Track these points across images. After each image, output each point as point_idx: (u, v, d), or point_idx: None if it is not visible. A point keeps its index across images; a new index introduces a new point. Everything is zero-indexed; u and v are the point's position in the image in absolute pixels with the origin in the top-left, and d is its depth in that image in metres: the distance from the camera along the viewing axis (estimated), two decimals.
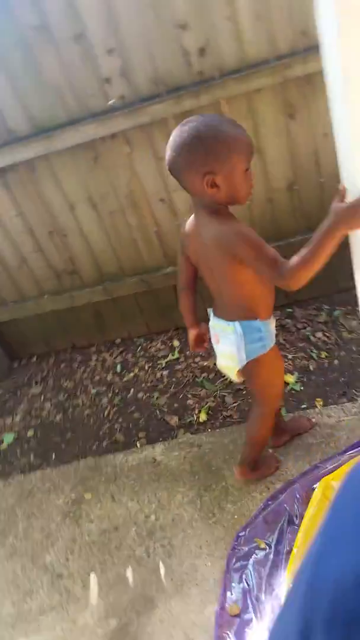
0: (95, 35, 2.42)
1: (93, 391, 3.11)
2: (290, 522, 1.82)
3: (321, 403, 2.45)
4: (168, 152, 1.47)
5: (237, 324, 1.67)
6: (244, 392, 2.66)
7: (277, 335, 2.93)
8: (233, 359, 1.72)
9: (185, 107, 2.51)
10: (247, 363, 1.71)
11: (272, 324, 1.78)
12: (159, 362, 3.11)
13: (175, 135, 1.44)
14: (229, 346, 1.72)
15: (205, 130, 1.40)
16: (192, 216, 1.68)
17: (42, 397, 3.26)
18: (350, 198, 1.24)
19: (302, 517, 1.78)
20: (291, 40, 2.35)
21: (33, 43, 2.46)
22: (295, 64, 2.35)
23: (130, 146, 2.67)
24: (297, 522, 1.81)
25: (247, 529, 1.86)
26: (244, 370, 1.75)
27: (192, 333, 1.95)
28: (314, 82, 2.43)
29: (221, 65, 2.44)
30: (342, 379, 2.55)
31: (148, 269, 3.08)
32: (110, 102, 2.57)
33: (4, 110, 2.64)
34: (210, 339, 1.88)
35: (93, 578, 1.93)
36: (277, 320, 3.04)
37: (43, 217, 2.95)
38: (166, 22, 2.38)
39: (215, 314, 1.77)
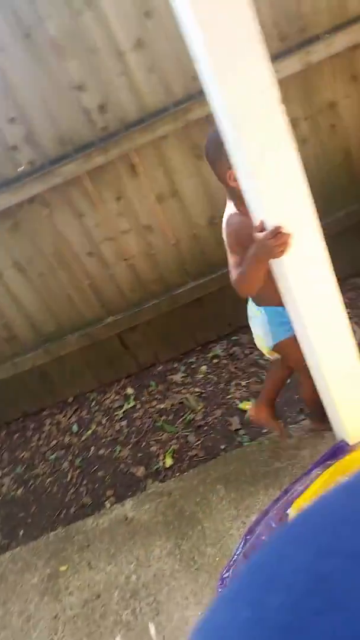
0: None
1: (52, 457, 3.02)
2: None
3: (282, 425, 2.47)
4: (206, 145, 1.71)
5: (263, 309, 1.86)
6: (205, 428, 2.65)
7: (226, 365, 3.00)
8: (262, 340, 1.96)
9: (96, 163, 2.55)
10: (276, 344, 1.90)
11: None
12: (115, 413, 3.06)
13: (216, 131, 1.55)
14: (258, 328, 1.95)
15: None
16: None
17: None
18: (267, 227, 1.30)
19: None
20: (185, 86, 2.46)
21: None
22: (194, 108, 2.45)
23: (48, 208, 2.68)
24: None
25: (230, 569, 1.82)
26: (275, 350, 1.95)
27: None
28: (214, 121, 2.54)
29: (123, 118, 2.52)
30: (297, 395, 2.59)
31: (88, 322, 3.06)
32: (19, 169, 2.58)
33: None
34: None
35: None
36: (224, 349, 3.10)
37: None
38: (63, 85, 2.44)
39: (251, 298, 1.93)
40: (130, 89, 2.47)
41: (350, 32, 2.46)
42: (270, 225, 1.30)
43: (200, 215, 2.81)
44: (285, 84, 2.52)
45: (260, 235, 1.37)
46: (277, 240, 1.32)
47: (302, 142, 2.71)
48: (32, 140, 2.53)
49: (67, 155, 2.56)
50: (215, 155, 1.66)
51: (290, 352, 1.89)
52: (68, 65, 2.41)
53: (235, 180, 1.56)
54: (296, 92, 2.59)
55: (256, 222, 1.38)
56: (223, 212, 2.72)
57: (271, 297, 1.75)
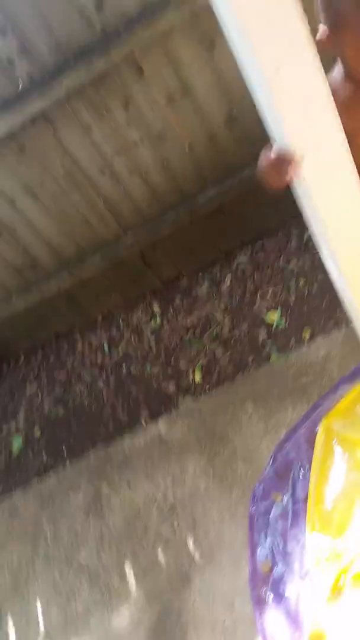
0: None
1: (87, 377, 3.09)
2: (302, 468, 1.83)
3: (308, 334, 2.42)
4: None
5: None
6: (232, 342, 2.63)
7: (252, 274, 2.90)
8: None
9: (99, 69, 2.32)
10: None
11: None
12: (143, 330, 3.07)
13: None
14: None
15: None
16: None
17: (40, 395, 3.24)
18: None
19: (310, 462, 1.79)
20: None
21: None
22: None
23: (53, 126, 2.50)
24: (307, 467, 1.82)
25: (262, 485, 1.87)
26: None
27: None
28: None
29: (123, 15, 2.24)
30: (326, 303, 2.51)
31: (107, 241, 2.98)
32: (19, 86, 2.39)
33: None
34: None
35: (128, 568, 1.97)
36: (249, 256, 2.99)
37: None
38: None
39: None
40: None
41: None
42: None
43: (216, 113, 2.57)
44: None
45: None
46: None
47: None
48: (27, 52, 2.30)
49: (67, 64, 2.34)
50: None
51: None
52: None
53: None
54: None
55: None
56: (240, 105, 2.49)
57: None
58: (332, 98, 1.03)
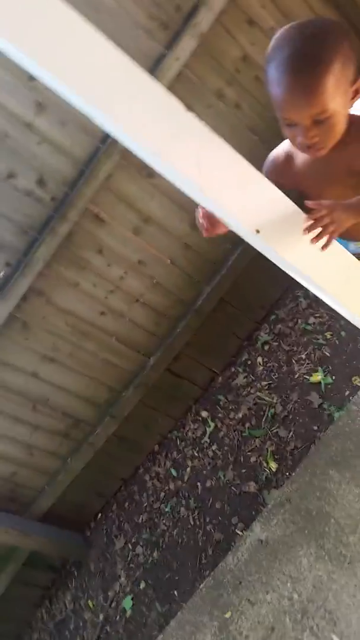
0: None
1: (167, 509, 3.00)
2: None
3: (359, 380, 2.38)
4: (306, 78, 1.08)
5: None
6: (291, 417, 2.58)
7: (279, 346, 2.91)
8: None
9: (64, 232, 2.52)
10: None
11: None
12: (202, 441, 3.02)
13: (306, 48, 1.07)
14: None
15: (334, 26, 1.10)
16: None
17: (130, 545, 3.14)
18: None
19: None
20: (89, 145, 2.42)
21: None
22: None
23: (44, 295, 2.67)
24: None
25: None
26: None
27: None
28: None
29: (65, 180, 2.48)
30: (359, 345, 2.49)
31: (134, 372, 3.04)
32: (1, 276, 2.58)
33: None
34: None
35: None
36: (269, 332, 3.01)
37: (18, 400, 2.90)
38: None
39: None
40: (55, 152, 2.42)
41: None
42: None
43: (181, 225, 2.74)
44: (192, 64, 2.43)
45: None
46: None
47: (236, 108, 2.61)
48: None
49: (35, 240, 2.54)
50: (347, 52, 1.08)
51: None
52: None
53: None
54: (206, 65, 2.48)
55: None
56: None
57: None
58: (257, 175, 1.11)
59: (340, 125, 1.16)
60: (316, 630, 1.81)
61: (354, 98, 1.15)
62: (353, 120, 1.20)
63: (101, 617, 3.02)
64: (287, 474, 2.39)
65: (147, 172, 2.55)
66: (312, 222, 1.11)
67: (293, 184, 1.28)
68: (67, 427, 3.08)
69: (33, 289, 2.62)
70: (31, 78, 2.27)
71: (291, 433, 2.52)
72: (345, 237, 1.48)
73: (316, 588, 1.89)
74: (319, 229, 1.11)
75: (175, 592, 2.65)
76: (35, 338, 2.76)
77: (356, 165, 1.27)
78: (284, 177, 1.35)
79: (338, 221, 1.12)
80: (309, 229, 1.12)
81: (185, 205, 2.66)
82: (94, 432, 3.12)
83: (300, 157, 1.34)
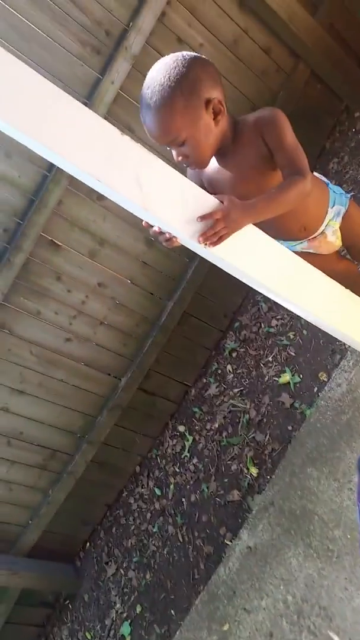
0: None
1: (155, 529, 2.98)
2: None
3: (325, 375, 2.42)
4: (153, 117, 1.23)
5: None
6: (265, 420, 2.60)
7: (246, 352, 2.95)
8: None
9: (19, 263, 2.52)
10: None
11: None
12: (183, 456, 3.02)
13: (155, 86, 1.23)
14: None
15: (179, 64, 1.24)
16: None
17: (122, 571, 3.09)
18: None
19: None
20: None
21: None
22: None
23: (6, 327, 2.64)
24: None
25: None
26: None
27: None
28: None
29: (15, 211, 2.48)
30: (322, 341, 2.54)
31: (106, 396, 3.03)
32: None
33: None
34: None
35: None
36: (234, 339, 3.04)
37: None
38: None
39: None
40: (2, 183, 2.42)
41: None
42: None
43: (136, 244, 2.76)
44: (127, 86, 2.47)
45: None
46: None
47: None
48: None
49: None
50: (186, 85, 1.20)
51: None
52: None
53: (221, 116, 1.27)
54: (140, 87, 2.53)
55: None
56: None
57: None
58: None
59: (203, 145, 1.28)
60: (313, 628, 1.82)
61: (216, 117, 1.26)
62: (241, 123, 1.34)
63: None
64: (268, 477, 2.41)
65: (96, 195, 2.57)
66: (205, 228, 1.13)
67: (212, 191, 1.32)
68: (44, 458, 3.03)
69: None
70: None
71: (267, 436, 2.55)
72: (281, 237, 1.53)
73: (308, 587, 1.90)
74: (213, 233, 1.13)
75: (172, 612, 2.62)
76: (2, 371, 2.72)
77: (257, 162, 1.36)
78: (203, 187, 1.41)
79: (232, 223, 1.15)
80: (202, 235, 1.13)
81: (139, 224, 2.64)
82: (72, 461, 3.08)
83: (209, 166, 1.40)
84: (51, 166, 2.43)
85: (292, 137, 1.34)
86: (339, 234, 1.63)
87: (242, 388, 2.84)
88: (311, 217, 1.54)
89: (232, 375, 2.96)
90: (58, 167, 2.35)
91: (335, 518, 1.92)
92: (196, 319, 3.04)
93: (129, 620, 2.86)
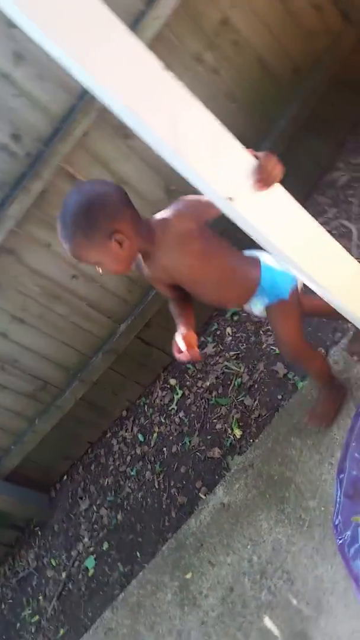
0: None
1: (132, 472, 3.05)
2: None
3: (323, 351, 2.42)
4: (66, 247, 1.46)
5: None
6: (256, 386, 2.62)
7: (248, 317, 2.93)
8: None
9: (36, 191, 2.46)
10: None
11: None
12: (170, 408, 3.06)
13: (63, 219, 1.45)
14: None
15: (86, 199, 1.43)
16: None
17: (94, 507, 3.18)
18: None
19: None
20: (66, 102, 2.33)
21: None
22: None
23: (15, 254, 2.62)
24: None
25: (338, 515, 1.81)
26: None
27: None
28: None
29: (40, 136, 2.40)
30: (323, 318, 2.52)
31: (104, 338, 3.03)
32: None
33: None
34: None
35: None
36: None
37: None
38: None
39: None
40: (31, 106, 2.34)
41: None
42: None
43: (156, 190, 2.70)
44: (172, 24, 2.36)
45: None
46: None
47: (214, 73, 2.55)
48: None
49: (7, 197, 2.47)
50: (89, 224, 1.40)
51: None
52: None
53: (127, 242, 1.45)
54: (185, 27, 2.42)
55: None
56: (174, 177, 2.62)
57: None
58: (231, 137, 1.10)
59: (113, 266, 1.50)
60: (274, 589, 1.89)
61: (122, 244, 1.43)
62: (154, 225, 1.53)
63: (64, 575, 3.08)
64: (251, 440, 2.44)
65: (123, 133, 2.50)
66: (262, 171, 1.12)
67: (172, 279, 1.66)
68: (35, 389, 3.07)
69: (4, 247, 2.56)
70: (10, 25, 2.17)
71: (256, 402, 2.57)
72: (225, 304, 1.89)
73: (275, 550, 1.96)
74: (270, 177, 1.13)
75: (138, 554, 2.71)
76: (5, 297, 2.71)
77: (177, 256, 1.55)
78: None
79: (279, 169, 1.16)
80: (262, 172, 1.11)
81: (162, 170, 2.61)
82: (62, 396, 3.12)
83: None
84: (82, 95, 2.34)
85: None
86: None
87: (238, 352, 2.84)
88: (230, 300, 1.86)
89: (230, 337, 2.95)
90: (89, 97, 2.31)
91: (312, 489, 1.96)
92: None
93: (95, 555, 2.97)
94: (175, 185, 2.70)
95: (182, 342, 1.59)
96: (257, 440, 2.31)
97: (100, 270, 1.53)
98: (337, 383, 2.08)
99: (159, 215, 1.57)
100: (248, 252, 1.75)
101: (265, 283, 1.71)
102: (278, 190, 1.18)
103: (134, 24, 2.30)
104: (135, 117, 0.99)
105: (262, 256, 1.73)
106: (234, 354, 2.84)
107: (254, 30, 2.55)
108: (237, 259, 1.71)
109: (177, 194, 2.68)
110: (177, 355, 1.61)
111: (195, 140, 1.07)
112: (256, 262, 1.72)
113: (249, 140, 1.25)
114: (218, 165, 1.10)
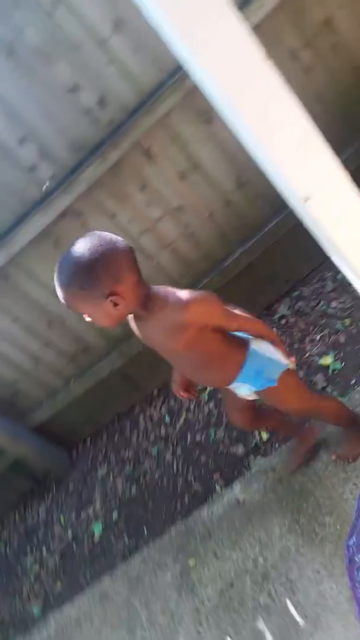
0: (2, 132, 2.42)
1: (154, 451, 3.08)
2: None
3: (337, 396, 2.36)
4: (59, 290, 1.46)
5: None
6: None
7: (295, 323, 2.89)
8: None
9: (112, 160, 2.49)
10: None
11: None
12: (201, 395, 3.06)
13: (62, 271, 1.46)
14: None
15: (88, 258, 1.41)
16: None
17: (112, 476, 3.24)
18: None
19: None
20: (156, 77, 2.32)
21: None
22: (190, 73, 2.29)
23: (81, 217, 2.66)
24: None
25: (354, 535, 1.79)
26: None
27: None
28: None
29: (125, 107, 2.42)
30: None
31: None
32: (44, 187, 2.56)
33: None
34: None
35: None
36: (289, 306, 2.99)
37: (36, 312, 2.94)
38: (58, 92, 2.37)
39: None
40: (122, 75, 2.35)
41: None
42: None
43: (227, 180, 2.68)
44: (274, 16, 2.31)
45: None
46: None
47: (307, 72, 2.49)
48: (46, 156, 2.49)
49: (84, 160, 2.50)
50: (89, 280, 1.39)
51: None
52: (57, 69, 2.33)
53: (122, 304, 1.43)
54: (286, 22, 2.36)
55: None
56: (247, 169, 2.59)
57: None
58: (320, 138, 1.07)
59: (103, 322, 1.50)
60: (274, 594, 1.89)
61: (116, 305, 1.42)
62: (153, 296, 1.50)
63: (70, 533, 3.16)
64: (277, 445, 2.42)
65: (206, 118, 2.48)
66: None
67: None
68: (76, 350, 3.13)
69: (72, 208, 2.60)
70: None
71: None
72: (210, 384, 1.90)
73: (282, 557, 1.95)
74: None
75: (145, 530, 2.75)
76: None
77: (164, 334, 1.54)
78: None
79: None
80: None
81: (237, 161, 2.59)
82: (100, 362, 3.17)
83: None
84: (173, 73, 2.33)
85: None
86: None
87: None
88: (206, 382, 1.99)
89: None
90: (179, 77, 2.30)
91: (331, 505, 1.94)
92: (259, 274, 2.97)
93: (103, 522, 3.03)
94: (247, 178, 2.67)
95: (178, 389, 1.86)
96: (283, 447, 2.30)
97: (87, 319, 1.51)
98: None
99: (170, 292, 1.52)
100: (240, 335, 1.70)
101: (249, 370, 1.67)
102: (355, 196, 1.14)
103: (239, 9, 2.26)
104: (228, 100, 0.97)
105: (253, 343, 1.68)
106: None
107: (357, 36, 2.46)
108: (223, 346, 1.64)
109: (247, 187, 2.68)
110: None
111: (283, 133, 1.04)
112: (244, 348, 1.67)
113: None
114: (300, 162, 1.06)
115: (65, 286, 1.42)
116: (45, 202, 2.56)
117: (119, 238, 1.46)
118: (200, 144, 2.55)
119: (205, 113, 2.45)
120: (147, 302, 1.49)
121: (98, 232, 1.45)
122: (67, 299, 1.44)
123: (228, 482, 2.47)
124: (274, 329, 2.94)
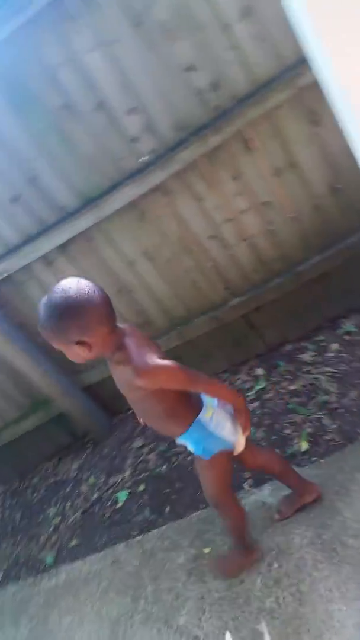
0: (114, 100, 2.49)
1: None
2: None
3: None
4: (39, 322, 1.57)
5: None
6: (341, 411, 2.55)
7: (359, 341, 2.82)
8: None
9: (211, 144, 2.51)
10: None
11: None
12: (247, 394, 3.07)
13: (44, 311, 1.55)
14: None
15: (66, 307, 1.51)
16: None
17: (146, 449, 3.32)
18: None
19: None
20: (296, 49, 2.26)
21: (62, 122, 2.57)
22: (307, 71, 2.26)
23: (169, 196, 2.70)
24: None
25: None
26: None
27: None
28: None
29: (235, 94, 2.43)
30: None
31: (214, 305, 3.07)
32: (142, 160, 2.61)
33: (53, 191, 2.77)
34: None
35: (229, 637, 1.91)
36: (357, 323, 2.92)
37: (109, 279, 3.02)
38: (174, 69, 2.40)
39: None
40: (239, 62, 2.36)
41: None
42: None
43: (321, 184, 2.64)
44: None
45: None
46: None
47: None
48: (151, 129, 2.55)
49: (185, 140, 2.54)
50: (59, 328, 1.53)
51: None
52: (178, 47, 2.36)
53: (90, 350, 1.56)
54: None
55: None
56: (344, 176, 2.53)
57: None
58: None
59: (71, 357, 1.61)
60: (281, 601, 1.89)
61: (91, 350, 1.55)
62: (122, 347, 1.58)
63: (95, 495, 3.27)
64: (314, 459, 2.40)
65: (313, 119, 2.45)
66: None
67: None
68: (137, 323, 3.19)
69: (163, 185, 2.65)
70: None
71: (334, 425, 2.50)
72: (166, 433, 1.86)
73: (297, 567, 1.95)
74: None
75: (168, 508, 2.79)
76: (146, 231, 2.82)
77: (124, 383, 1.67)
78: None
79: None
80: None
81: (335, 166, 2.54)
82: (155, 339, 3.21)
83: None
84: (290, 68, 2.31)
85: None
86: None
87: (335, 371, 2.77)
88: (158, 430, 1.88)
89: (333, 354, 2.88)
90: (296, 72, 2.27)
91: (358, 529, 1.92)
92: (332, 284, 2.93)
93: (129, 491, 3.11)
94: (342, 186, 2.62)
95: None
96: (321, 461, 2.28)
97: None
98: (248, 546, 2.08)
99: (135, 352, 1.56)
100: (202, 399, 1.79)
101: (190, 436, 1.77)
102: None
103: None
104: (348, 101, 0.96)
105: (204, 411, 1.75)
106: (331, 372, 2.77)
107: None
108: (176, 405, 1.73)
109: (340, 195, 2.63)
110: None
111: None
112: (194, 414, 1.74)
113: None
114: None
115: (40, 324, 1.55)
116: (140, 175, 2.62)
117: (97, 289, 1.55)
118: (302, 144, 2.53)
119: (314, 114, 2.42)
120: (116, 352, 1.60)
121: (77, 281, 1.54)
122: (43, 334, 1.57)
123: (257, 484, 2.48)
124: (335, 344, 2.90)
